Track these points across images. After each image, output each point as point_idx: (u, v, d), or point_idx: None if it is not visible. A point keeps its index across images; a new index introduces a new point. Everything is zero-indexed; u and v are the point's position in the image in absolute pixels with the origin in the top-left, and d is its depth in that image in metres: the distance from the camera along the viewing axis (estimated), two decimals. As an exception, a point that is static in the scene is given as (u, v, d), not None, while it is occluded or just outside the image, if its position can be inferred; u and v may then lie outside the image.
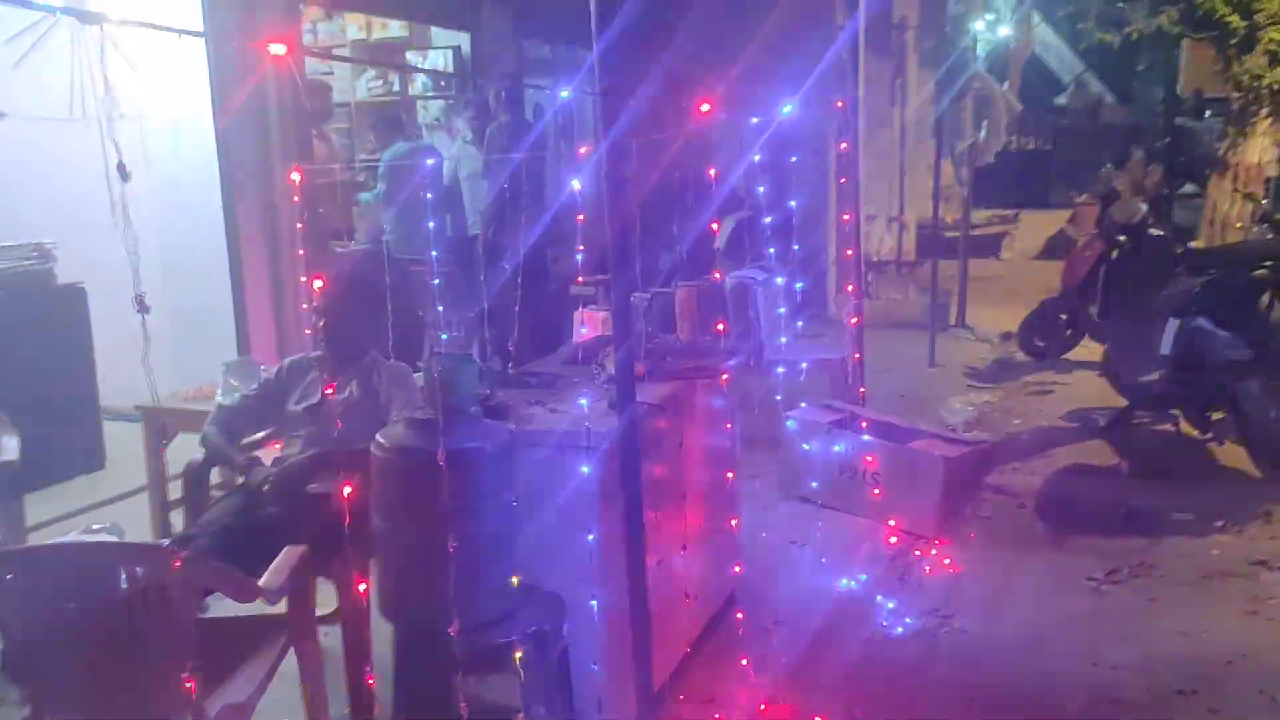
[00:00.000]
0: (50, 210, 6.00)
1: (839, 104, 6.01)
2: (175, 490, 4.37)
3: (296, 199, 5.56)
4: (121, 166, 1.55)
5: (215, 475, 3.99)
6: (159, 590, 2.24)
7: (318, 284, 3.38)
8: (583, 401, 3.04)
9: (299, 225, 5.63)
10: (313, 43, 8.70)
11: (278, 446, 3.71)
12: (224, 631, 2.79)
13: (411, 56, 8.67)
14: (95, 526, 4.46)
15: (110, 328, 5.71)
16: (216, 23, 5.36)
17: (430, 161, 7.12)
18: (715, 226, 6.67)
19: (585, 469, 2.93)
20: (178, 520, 4.35)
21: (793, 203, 5.36)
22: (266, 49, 5.23)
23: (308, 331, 5.60)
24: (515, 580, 2.70)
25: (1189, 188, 13.87)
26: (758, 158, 4.29)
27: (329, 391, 3.50)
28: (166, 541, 3.56)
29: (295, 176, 4.91)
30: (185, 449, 3.97)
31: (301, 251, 5.62)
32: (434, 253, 5.51)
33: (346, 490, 2.65)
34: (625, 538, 2.66)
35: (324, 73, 8.33)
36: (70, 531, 4.54)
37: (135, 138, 5.64)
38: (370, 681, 3.15)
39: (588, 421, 2.97)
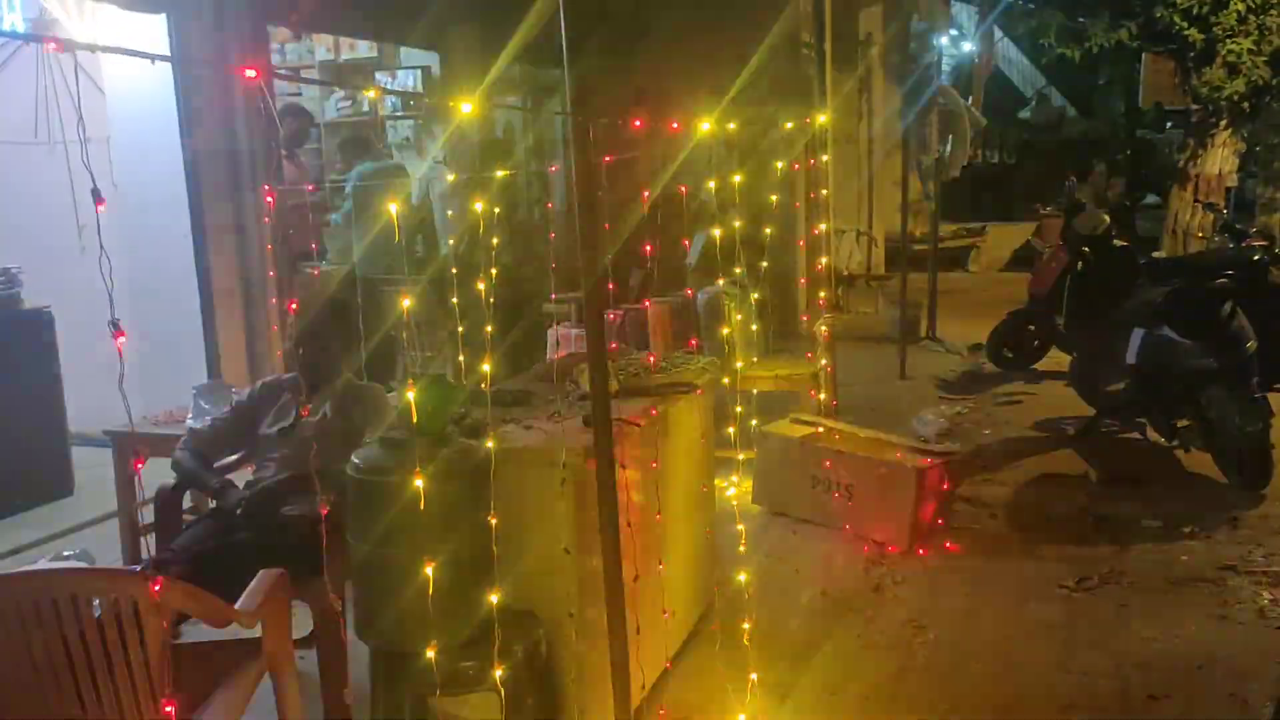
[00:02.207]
0: (14, 234, 5.94)
1: (806, 120, 6.07)
2: (145, 515, 4.34)
3: (266, 220, 5.55)
4: (95, 191, 1.55)
5: (187, 499, 3.96)
6: (132, 615, 2.23)
7: (293, 306, 3.38)
8: (558, 418, 3.05)
9: (269, 247, 5.62)
10: (280, 64, 8.68)
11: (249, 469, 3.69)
12: (198, 656, 2.77)
13: (380, 77, 8.67)
14: (65, 553, 4.43)
15: (78, 352, 5.66)
16: (184, 46, 5.35)
17: (398, 181, 7.11)
18: (686, 243, 6.71)
19: (562, 486, 2.94)
20: (148, 546, 4.31)
21: (764, 219, 5.39)
22: (235, 72, 5.23)
23: (279, 354, 5.58)
24: (493, 599, 2.70)
25: (1151, 199, 14.11)
26: (737, 176, 4.33)
27: (305, 413, 3.49)
28: (139, 567, 3.52)
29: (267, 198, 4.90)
30: (155, 474, 3.93)
31: (272, 273, 5.61)
32: (405, 272, 5.51)
33: (323, 512, 2.64)
34: (603, 553, 2.67)
35: (292, 94, 8.32)
36: (40, 559, 4.50)
37: (102, 161, 5.63)
38: (347, 704, 3.13)
39: (563, 438, 2.99)
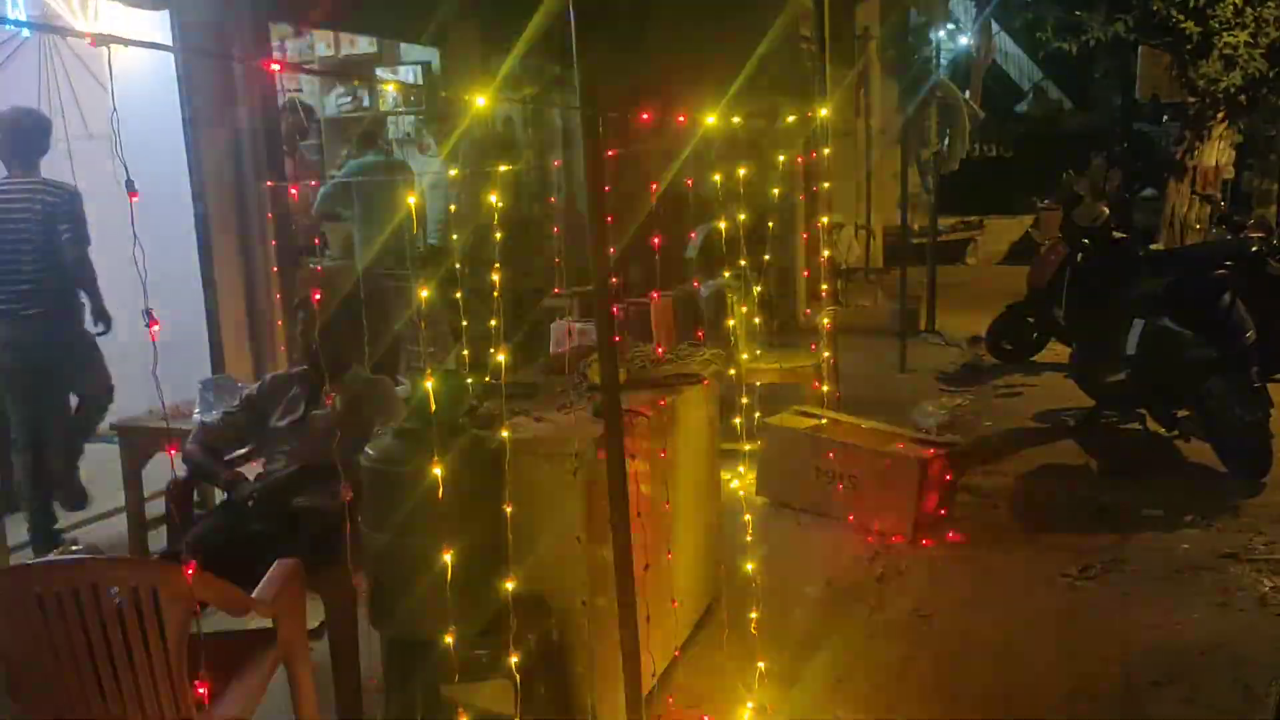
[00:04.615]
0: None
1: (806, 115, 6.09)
2: (151, 510, 4.36)
3: (269, 215, 5.56)
4: (130, 183, 1.58)
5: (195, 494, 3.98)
6: (153, 605, 2.25)
7: (311, 299, 3.41)
8: (568, 409, 3.08)
9: (272, 242, 5.63)
10: (281, 60, 8.67)
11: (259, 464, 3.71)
12: (214, 647, 2.78)
13: (381, 73, 8.66)
14: (74, 548, 4.43)
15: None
16: (186, 40, 5.35)
17: (399, 177, 7.12)
18: (694, 235, 6.75)
19: (574, 475, 2.96)
20: (155, 540, 4.33)
21: (765, 212, 5.42)
22: (237, 65, 5.25)
23: (282, 349, 5.60)
24: (506, 587, 2.73)
25: (1148, 191, 14.13)
26: (740, 170, 4.34)
27: (329, 402, 3.52)
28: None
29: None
30: (161, 468, 3.94)
31: (275, 268, 5.62)
32: (408, 267, 5.53)
33: (346, 500, 2.68)
34: (614, 543, 2.69)
35: (293, 89, 8.32)
36: (49, 554, 4.51)
37: (105, 157, 5.63)
38: (361, 692, 3.16)
39: (573, 429, 3.01)
